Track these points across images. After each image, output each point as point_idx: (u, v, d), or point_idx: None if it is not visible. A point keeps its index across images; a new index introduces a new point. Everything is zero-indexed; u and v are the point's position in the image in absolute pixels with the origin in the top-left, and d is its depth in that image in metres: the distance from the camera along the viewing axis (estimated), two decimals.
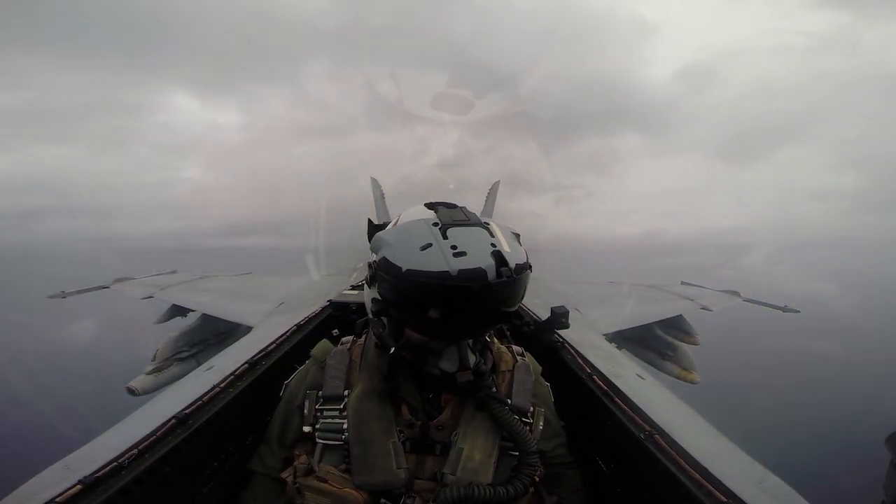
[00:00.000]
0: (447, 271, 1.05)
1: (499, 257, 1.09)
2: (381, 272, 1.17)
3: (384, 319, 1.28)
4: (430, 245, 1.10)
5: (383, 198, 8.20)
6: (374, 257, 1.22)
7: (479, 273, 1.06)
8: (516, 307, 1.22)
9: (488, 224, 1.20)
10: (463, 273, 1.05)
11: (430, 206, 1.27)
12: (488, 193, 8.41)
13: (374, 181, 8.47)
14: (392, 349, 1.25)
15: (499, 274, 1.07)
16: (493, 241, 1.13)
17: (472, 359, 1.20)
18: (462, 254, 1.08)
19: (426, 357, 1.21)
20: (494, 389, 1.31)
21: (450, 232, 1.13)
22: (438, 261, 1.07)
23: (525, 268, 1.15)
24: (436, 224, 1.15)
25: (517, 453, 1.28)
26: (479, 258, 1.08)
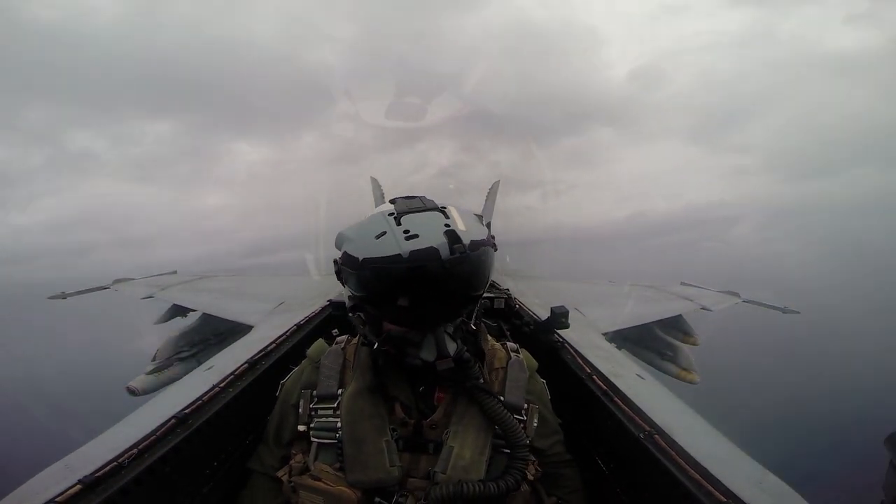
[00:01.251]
0: (399, 254, 1.08)
1: (452, 235, 1.11)
2: (345, 267, 1.22)
3: (362, 316, 1.31)
4: (384, 233, 1.13)
5: (383, 197, 8.18)
6: (339, 254, 1.26)
7: (430, 252, 1.08)
8: (483, 289, 1.24)
9: (445, 208, 1.22)
10: (415, 254, 1.08)
11: (392, 200, 1.30)
12: (488, 193, 8.41)
13: (373, 181, 8.46)
14: (375, 344, 1.27)
15: (452, 251, 1.08)
16: (447, 221, 1.15)
17: (452, 347, 1.21)
18: (414, 236, 1.10)
19: (407, 348, 1.22)
20: (482, 381, 1.31)
21: (404, 219, 1.16)
22: (391, 245, 1.10)
23: (482, 244, 1.16)
24: (391, 214, 1.18)
25: (509, 451, 1.28)
26: (431, 238, 1.10)
